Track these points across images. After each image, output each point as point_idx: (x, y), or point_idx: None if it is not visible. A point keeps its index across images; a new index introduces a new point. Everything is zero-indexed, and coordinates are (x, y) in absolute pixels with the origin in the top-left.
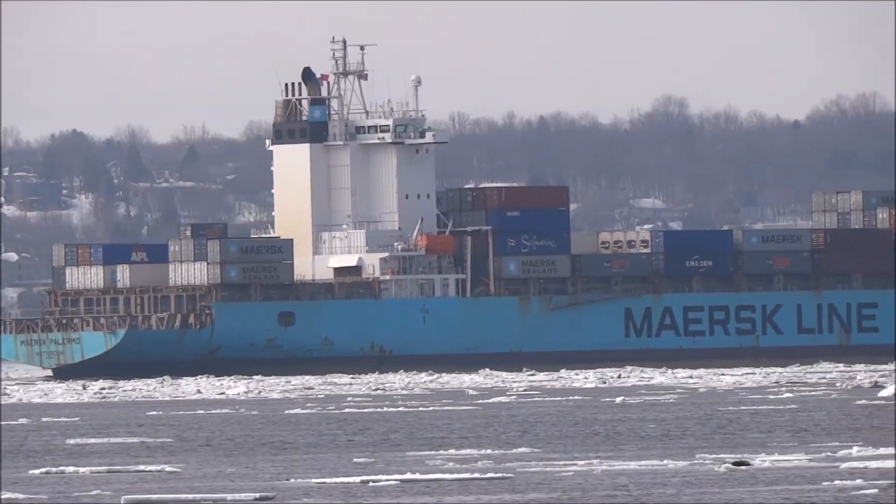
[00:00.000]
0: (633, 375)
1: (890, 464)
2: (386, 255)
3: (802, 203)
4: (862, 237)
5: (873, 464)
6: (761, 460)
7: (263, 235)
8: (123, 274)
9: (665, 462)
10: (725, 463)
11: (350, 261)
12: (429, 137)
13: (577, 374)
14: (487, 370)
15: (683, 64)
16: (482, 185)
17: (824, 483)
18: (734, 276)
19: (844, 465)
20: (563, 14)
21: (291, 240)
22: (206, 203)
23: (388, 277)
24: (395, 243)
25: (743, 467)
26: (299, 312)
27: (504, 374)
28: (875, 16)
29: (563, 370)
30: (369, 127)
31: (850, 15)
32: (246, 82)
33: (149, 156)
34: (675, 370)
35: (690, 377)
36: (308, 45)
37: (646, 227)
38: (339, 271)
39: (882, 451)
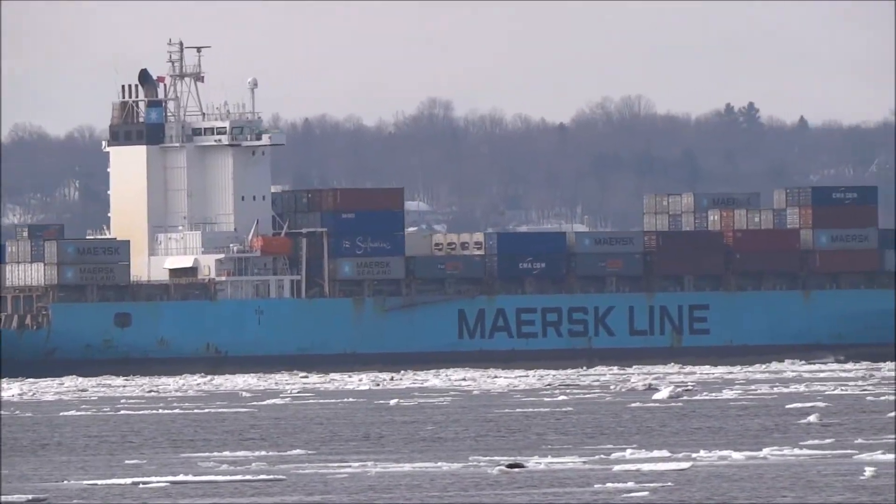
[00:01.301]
0: (407, 378)
1: (662, 466)
2: (222, 256)
3: (567, 206)
4: (693, 239)
5: (646, 466)
6: (535, 462)
7: (99, 237)
8: None
9: (439, 464)
10: (499, 465)
11: (186, 262)
12: (265, 139)
13: (350, 377)
14: (262, 373)
15: (448, 66)
16: (318, 188)
17: (596, 485)
18: (567, 278)
19: (617, 468)
20: (326, 15)
21: (128, 241)
22: None
23: (223, 278)
24: (231, 245)
25: (517, 469)
26: (135, 313)
27: (277, 377)
28: (638, 19)
29: (334, 373)
30: (206, 129)
31: (614, 19)
32: (15, 82)
33: None
34: (448, 372)
35: (464, 380)
36: (143, 47)
37: (410, 229)
38: (174, 272)
39: (655, 453)
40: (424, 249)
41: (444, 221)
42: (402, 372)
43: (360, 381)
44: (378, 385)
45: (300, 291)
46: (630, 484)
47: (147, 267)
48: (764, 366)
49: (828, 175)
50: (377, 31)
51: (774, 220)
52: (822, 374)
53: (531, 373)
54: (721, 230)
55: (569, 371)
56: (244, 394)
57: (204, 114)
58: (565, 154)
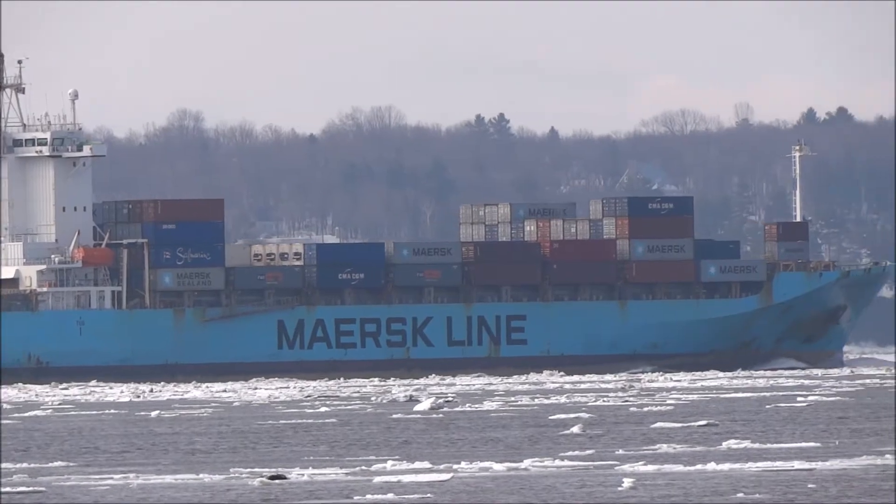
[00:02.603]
0: (167, 390)
1: (423, 478)
2: (43, 267)
3: (317, 216)
4: (510, 250)
5: (406, 478)
6: (298, 474)
7: None
8: None
9: (201, 476)
10: (261, 477)
11: (7, 273)
12: (86, 151)
13: (111, 389)
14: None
15: (198, 77)
16: (139, 199)
17: (356, 497)
18: (386, 289)
19: (378, 479)
20: (72, 24)
21: None
22: None
23: (45, 289)
24: (53, 256)
25: (278, 481)
26: None
27: (37, 388)
28: (388, 29)
29: (94, 381)
30: (27, 140)
31: (364, 28)
32: None
33: None
34: (209, 384)
35: (225, 391)
36: None
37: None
38: None
39: (416, 465)
40: (244, 260)
41: None
42: (163, 384)
43: (122, 392)
44: (139, 397)
45: (121, 302)
46: (390, 496)
47: None
48: (524, 377)
49: (578, 186)
50: (126, 42)
51: (591, 230)
52: (582, 386)
53: (292, 384)
54: (538, 240)
55: (329, 382)
56: (4, 405)
57: (25, 125)
58: (315, 165)
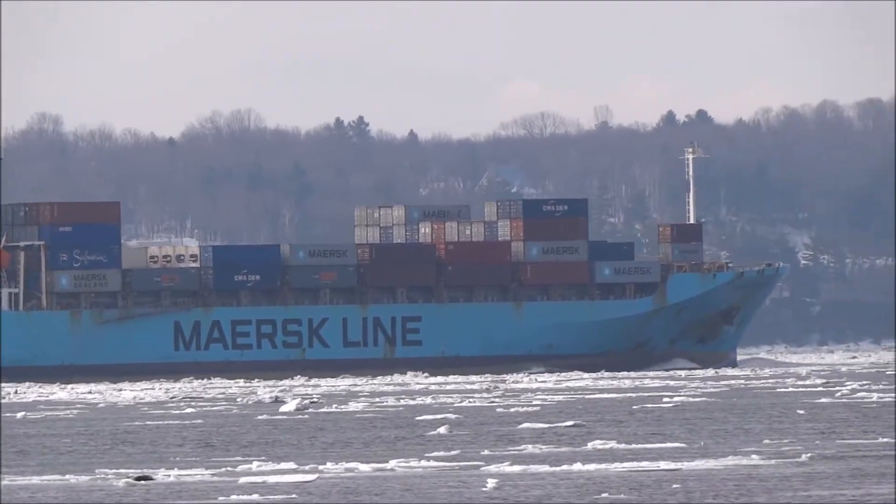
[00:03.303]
0: (32, 391)
1: (288, 478)
2: None
3: (177, 219)
4: (405, 251)
5: (272, 478)
6: (164, 475)
7: None
8: None
9: (67, 477)
10: (126, 478)
11: None
12: None
13: None
14: None
15: (58, 80)
16: (35, 201)
17: (221, 498)
18: (281, 290)
19: (244, 480)
20: None
21: None
22: None
23: None
24: None
25: (143, 482)
26: None
27: None
28: (247, 32)
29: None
30: None
31: (224, 32)
32: None
33: None
34: (73, 385)
35: (90, 392)
36: None
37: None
38: None
39: (282, 465)
40: (140, 262)
41: None
42: (28, 384)
43: None
44: (3, 398)
45: (18, 304)
46: (255, 496)
47: None
48: (389, 377)
49: (438, 189)
50: None
51: (486, 232)
52: (448, 387)
53: (157, 385)
54: (433, 242)
55: (195, 383)
56: None
57: None
58: (175, 168)
